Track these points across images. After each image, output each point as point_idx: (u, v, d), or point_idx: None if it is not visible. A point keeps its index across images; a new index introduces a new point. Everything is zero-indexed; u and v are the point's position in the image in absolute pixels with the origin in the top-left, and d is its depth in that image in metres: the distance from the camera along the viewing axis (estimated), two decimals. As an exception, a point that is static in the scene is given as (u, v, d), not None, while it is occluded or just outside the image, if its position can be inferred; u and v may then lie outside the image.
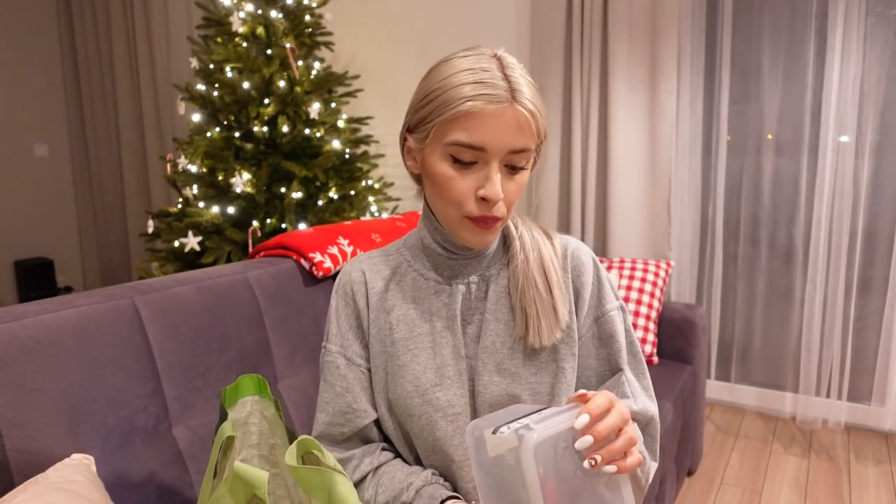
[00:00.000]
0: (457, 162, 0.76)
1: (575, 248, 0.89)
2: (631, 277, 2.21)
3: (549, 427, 0.63)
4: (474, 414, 0.85)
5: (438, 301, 0.87)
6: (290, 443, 0.81)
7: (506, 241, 0.90)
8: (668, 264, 2.30)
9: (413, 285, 0.88)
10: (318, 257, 1.48)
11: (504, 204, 0.78)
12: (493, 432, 0.63)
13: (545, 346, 0.84)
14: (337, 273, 1.52)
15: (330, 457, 0.75)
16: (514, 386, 0.84)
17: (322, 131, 2.65)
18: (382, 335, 0.88)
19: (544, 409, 0.69)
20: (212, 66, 2.62)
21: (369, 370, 0.90)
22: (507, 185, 0.78)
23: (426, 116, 0.78)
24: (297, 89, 2.58)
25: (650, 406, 0.86)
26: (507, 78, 0.74)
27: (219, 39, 2.63)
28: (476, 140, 0.74)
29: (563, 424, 0.64)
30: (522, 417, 0.66)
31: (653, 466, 0.84)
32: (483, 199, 0.76)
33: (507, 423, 0.64)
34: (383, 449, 0.91)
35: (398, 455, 0.92)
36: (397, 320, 0.87)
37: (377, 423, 0.91)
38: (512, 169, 0.78)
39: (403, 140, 0.85)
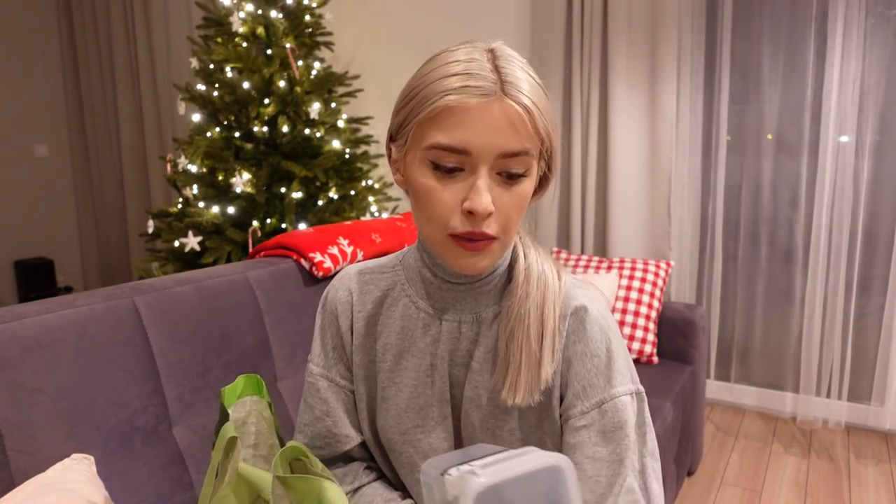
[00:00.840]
0: (438, 169, 0.64)
1: (580, 309, 0.72)
2: (631, 277, 2.21)
3: (499, 472, 0.54)
4: None
5: (426, 338, 0.77)
6: (281, 446, 0.81)
7: (510, 275, 0.75)
8: (668, 264, 2.30)
9: (403, 313, 0.78)
10: (318, 257, 1.48)
11: (500, 220, 0.65)
12: (442, 474, 0.56)
13: (515, 406, 0.72)
14: (337, 273, 1.52)
15: (317, 461, 0.75)
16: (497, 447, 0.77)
17: (322, 131, 2.65)
18: (366, 362, 0.81)
19: (504, 451, 0.60)
20: (212, 66, 2.62)
21: (354, 392, 0.85)
22: (501, 198, 0.64)
23: (405, 118, 0.67)
24: (297, 89, 2.58)
25: None
26: (497, 69, 0.63)
27: (219, 39, 2.63)
28: (457, 141, 0.62)
29: (519, 469, 0.56)
30: (477, 459, 0.58)
31: None
32: (469, 211, 0.63)
33: (459, 464, 0.57)
34: (367, 468, 0.86)
35: (383, 475, 0.88)
36: (383, 349, 0.80)
37: (363, 443, 0.86)
38: (508, 178, 0.64)
39: (388, 150, 0.73)
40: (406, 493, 0.84)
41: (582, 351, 0.71)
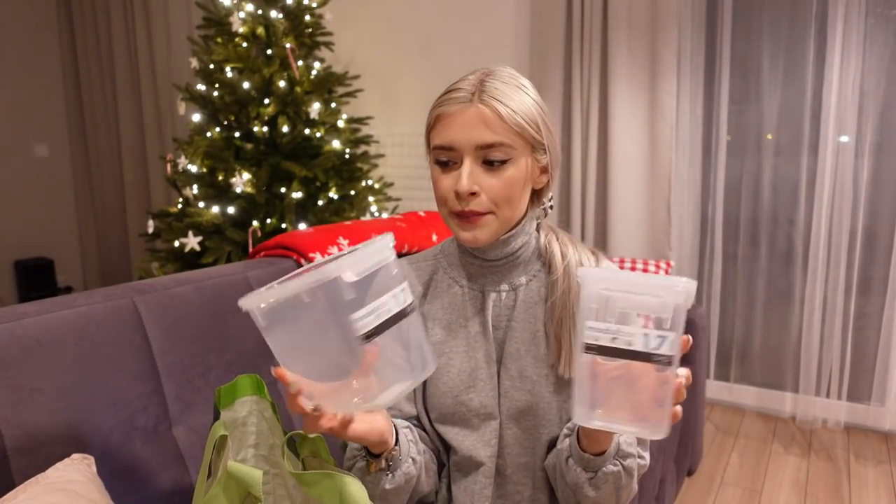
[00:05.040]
0: (439, 164, 0.83)
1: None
2: (631, 277, 2.21)
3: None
4: (502, 415, 0.89)
5: (472, 308, 0.91)
6: (288, 446, 0.81)
7: (540, 255, 0.92)
8: (668, 264, 2.30)
9: (449, 291, 0.93)
10: (318, 257, 1.48)
11: (488, 199, 0.81)
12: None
13: (573, 378, 0.84)
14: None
15: (331, 458, 0.75)
16: (534, 395, 0.87)
17: (322, 131, 2.65)
18: None
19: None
20: (212, 66, 2.62)
21: None
22: (487, 181, 0.81)
23: (425, 137, 0.87)
24: (297, 89, 2.58)
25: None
26: (481, 83, 0.80)
27: (219, 39, 2.63)
28: (444, 140, 0.81)
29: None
30: None
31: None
32: (456, 192, 0.81)
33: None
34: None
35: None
36: (434, 324, 0.92)
37: (417, 421, 0.94)
38: (490, 165, 0.81)
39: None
40: (448, 465, 0.93)
41: None
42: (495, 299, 0.90)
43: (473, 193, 0.81)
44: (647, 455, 0.88)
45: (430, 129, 0.84)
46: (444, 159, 0.82)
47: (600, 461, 0.78)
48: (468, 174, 0.80)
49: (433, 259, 0.97)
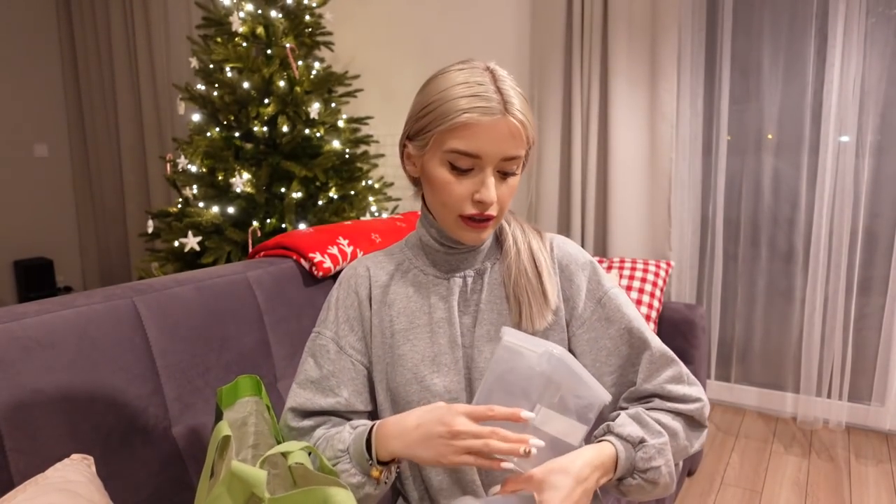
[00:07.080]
0: (454, 168, 0.83)
1: (560, 241, 0.97)
2: (631, 277, 2.21)
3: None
4: (470, 399, 0.90)
5: (437, 294, 0.93)
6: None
7: (498, 238, 0.97)
8: (669, 264, 2.30)
9: (414, 280, 0.95)
10: (318, 257, 1.48)
11: (498, 205, 0.85)
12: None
13: (538, 331, 0.90)
14: (337, 273, 1.53)
15: (324, 459, 0.75)
16: None
17: (322, 131, 2.65)
18: (384, 327, 0.93)
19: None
20: (212, 66, 2.62)
21: (361, 364, 0.94)
22: (499, 189, 0.85)
23: (425, 126, 0.84)
24: (297, 89, 2.57)
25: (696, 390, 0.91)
26: (499, 91, 0.81)
27: (219, 39, 2.62)
28: (472, 148, 0.81)
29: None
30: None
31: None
32: (479, 201, 0.83)
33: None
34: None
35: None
36: (398, 312, 0.93)
37: (358, 413, 0.94)
38: (504, 174, 0.85)
39: (403, 146, 0.91)
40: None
41: (574, 269, 0.94)
42: (461, 285, 0.93)
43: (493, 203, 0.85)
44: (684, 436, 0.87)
45: (448, 130, 0.81)
46: (465, 166, 0.83)
47: (614, 482, 0.82)
48: (493, 184, 0.83)
49: (399, 252, 0.99)
